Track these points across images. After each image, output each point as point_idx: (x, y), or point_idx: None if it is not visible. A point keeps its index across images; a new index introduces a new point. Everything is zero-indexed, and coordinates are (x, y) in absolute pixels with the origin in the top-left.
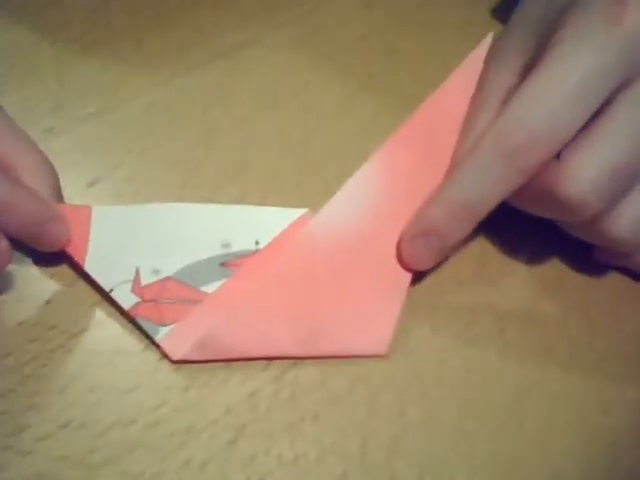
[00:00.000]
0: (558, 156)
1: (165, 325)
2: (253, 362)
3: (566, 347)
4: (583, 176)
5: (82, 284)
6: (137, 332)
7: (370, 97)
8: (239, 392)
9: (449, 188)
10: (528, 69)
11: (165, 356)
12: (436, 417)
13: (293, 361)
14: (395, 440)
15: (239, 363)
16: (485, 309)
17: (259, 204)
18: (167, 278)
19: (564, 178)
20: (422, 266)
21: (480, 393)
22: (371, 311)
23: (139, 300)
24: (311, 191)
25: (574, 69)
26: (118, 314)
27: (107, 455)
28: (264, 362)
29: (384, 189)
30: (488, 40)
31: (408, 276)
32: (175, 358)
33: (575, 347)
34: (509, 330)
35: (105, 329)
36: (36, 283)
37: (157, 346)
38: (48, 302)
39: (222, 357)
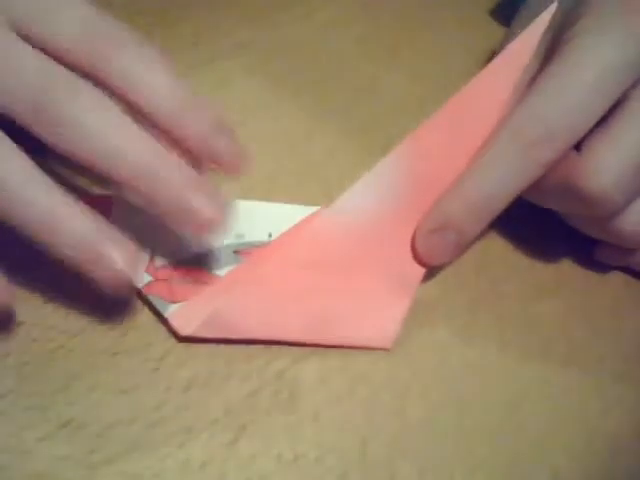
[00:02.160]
0: (577, 147)
1: (175, 302)
2: (253, 362)
3: (566, 347)
4: (605, 170)
5: (82, 284)
6: (137, 332)
7: (370, 97)
8: (239, 392)
9: (466, 182)
10: (545, 61)
11: (173, 332)
12: (436, 417)
13: (293, 360)
14: (395, 440)
15: (239, 363)
16: (485, 309)
17: None
18: (181, 261)
19: (586, 172)
20: (437, 261)
21: (480, 393)
22: (380, 303)
23: (152, 279)
24: (311, 191)
25: (592, 63)
26: (118, 314)
27: (107, 455)
28: (264, 361)
29: (407, 181)
30: (545, 18)
31: (421, 271)
32: (183, 334)
33: (575, 347)
34: (509, 330)
35: (105, 329)
36: (36, 283)
37: (166, 323)
38: (48, 302)
39: (229, 336)
